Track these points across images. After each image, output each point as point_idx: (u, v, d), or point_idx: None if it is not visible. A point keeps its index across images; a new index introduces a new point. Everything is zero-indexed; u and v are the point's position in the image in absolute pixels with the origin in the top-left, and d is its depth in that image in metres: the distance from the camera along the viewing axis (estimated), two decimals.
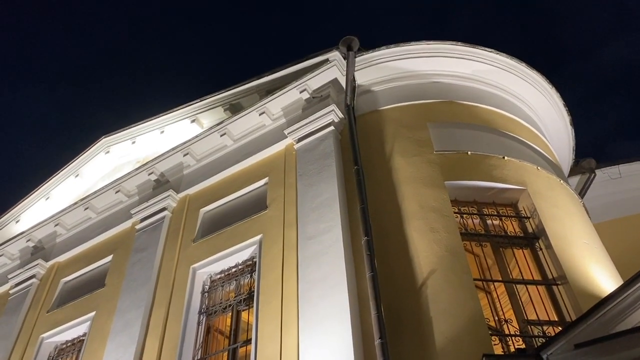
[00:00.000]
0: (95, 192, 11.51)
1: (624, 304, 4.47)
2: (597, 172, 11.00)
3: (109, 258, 10.24)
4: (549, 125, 10.28)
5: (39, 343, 9.63)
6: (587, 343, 4.22)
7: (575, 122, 10.48)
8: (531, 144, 8.95)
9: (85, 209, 11.35)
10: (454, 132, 8.49)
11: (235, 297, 7.99)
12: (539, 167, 8.37)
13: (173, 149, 10.68)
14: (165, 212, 9.95)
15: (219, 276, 8.48)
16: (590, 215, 9.17)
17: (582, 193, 10.46)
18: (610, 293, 4.59)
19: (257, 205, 8.74)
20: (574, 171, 10.95)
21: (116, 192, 11.11)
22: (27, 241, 11.92)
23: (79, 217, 11.56)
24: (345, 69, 8.97)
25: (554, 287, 6.72)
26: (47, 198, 12.99)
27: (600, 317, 4.41)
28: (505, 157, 8.15)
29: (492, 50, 9.55)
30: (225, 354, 7.60)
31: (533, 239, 7.33)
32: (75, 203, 11.69)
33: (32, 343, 9.71)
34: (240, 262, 8.35)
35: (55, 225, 11.65)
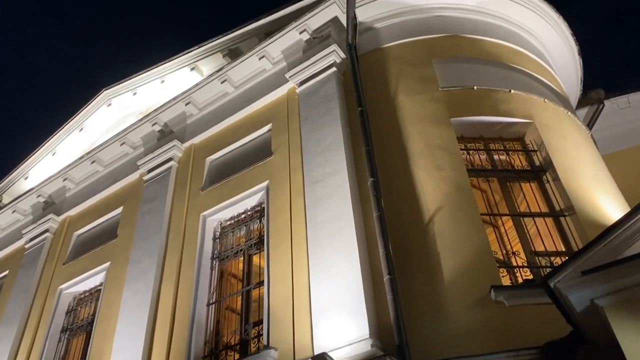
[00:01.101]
0: (100, 145, 11.53)
1: (630, 231, 4.47)
2: (606, 102, 10.81)
3: (119, 210, 10.37)
4: (557, 57, 10.03)
5: (57, 294, 9.91)
6: (594, 270, 4.25)
7: (584, 55, 10.22)
8: (538, 76, 8.76)
9: (92, 162, 11.40)
10: (459, 67, 8.31)
11: (246, 242, 8.12)
12: (546, 100, 8.23)
13: (174, 98, 10.59)
14: (171, 163, 9.98)
15: (229, 222, 8.59)
16: (599, 147, 9.09)
17: (590, 124, 10.32)
18: (617, 220, 4.58)
19: (262, 151, 8.73)
20: (582, 103, 10.77)
21: (121, 145, 11.12)
22: (37, 197, 12.06)
23: (86, 171, 11.63)
24: (345, 6, 8.70)
25: (562, 219, 6.74)
26: (54, 154, 13.05)
27: (607, 244, 4.42)
28: (512, 91, 8.00)
29: None
30: (240, 296, 7.81)
31: (540, 171, 7.30)
32: (82, 157, 11.75)
33: (51, 294, 10.00)
34: (249, 208, 8.43)
35: (64, 180, 11.74)
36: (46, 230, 11.24)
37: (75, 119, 12.97)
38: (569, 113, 8.54)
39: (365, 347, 5.47)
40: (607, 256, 4.37)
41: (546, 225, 6.81)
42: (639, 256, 4.20)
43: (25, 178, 13.27)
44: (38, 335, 9.48)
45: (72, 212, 11.38)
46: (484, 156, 7.53)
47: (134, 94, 12.32)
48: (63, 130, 13.05)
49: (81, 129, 12.90)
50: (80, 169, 11.66)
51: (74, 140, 13.00)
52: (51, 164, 12.92)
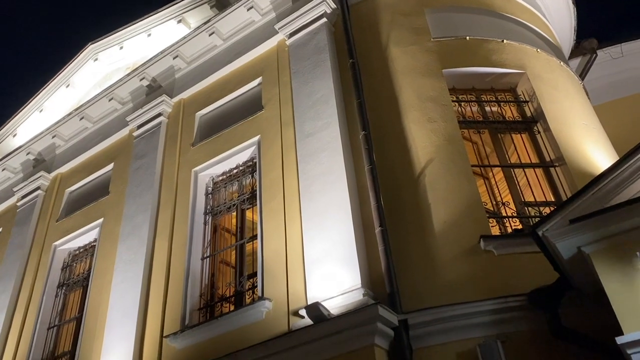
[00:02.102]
0: (88, 101, 11.36)
1: (618, 180, 4.52)
2: (599, 52, 10.71)
3: (111, 166, 10.33)
4: (550, 5, 9.85)
5: (52, 250, 9.98)
6: (582, 218, 4.32)
7: (578, 3, 10.04)
8: (531, 26, 8.63)
9: (81, 119, 11.26)
10: (451, 16, 8.16)
11: (238, 196, 8.15)
12: (538, 50, 8.14)
13: (162, 52, 10.39)
14: (161, 118, 9.87)
15: (220, 178, 8.60)
16: (591, 97, 9.07)
17: (582, 75, 10.25)
18: (605, 170, 4.63)
19: (252, 106, 8.64)
20: (575, 53, 10.67)
21: (109, 100, 10.97)
22: (27, 154, 11.96)
23: (75, 128, 11.51)
24: None
25: (552, 169, 6.80)
26: (41, 110, 12.85)
27: (595, 192, 4.49)
28: (504, 41, 7.89)
29: None
30: (233, 249, 7.90)
31: (531, 122, 7.31)
32: (70, 114, 11.59)
33: (45, 251, 10.07)
34: (240, 163, 8.42)
35: (53, 137, 11.63)
36: (37, 188, 11.21)
37: (62, 74, 12.70)
38: (562, 63, 8.48)
39: (357, 296, 5.60)
40: (595, 205, 4.44)
41: (536, 176, 6.87)
42: (625, 204, 4.27)
43: (14, 135, 13.11)
44: (35, 291, 9.60)
45: (63, 169, 11.33)
46: (475, 108, 7.51)
47: (121, 48, 12.04)
48: (49, 86, 12.80)
49: (68, 85, 12.66)
50: (69, 125, 11.52)
51: (61, 97, 12.79)
52: (39, 121, 12.74)
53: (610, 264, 4.28)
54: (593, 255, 4.39)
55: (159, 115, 9.91)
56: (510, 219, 6.43)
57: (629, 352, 3.93)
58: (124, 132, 10.57)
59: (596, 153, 6.99)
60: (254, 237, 7.45)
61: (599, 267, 4.33)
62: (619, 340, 3.98)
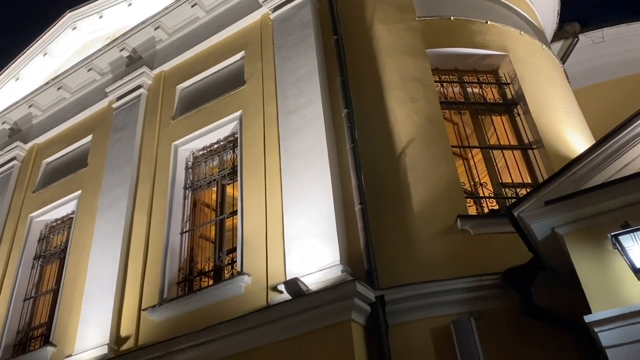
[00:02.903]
0: (66, 71, 11.11)
1: (593, 164, 4.63)
2: (581, 36, 10.78)
3: (89, 138, 10.16)
4: None
5: (28, 222, 9.84)
6: (557, 200, 4.42)
7: None
8: (515, 8, 8.65)
9: (58, 88, 11.02)
10: None
11: (219, 172, 8.12)
12: (522, 32, 8.18)
13: (143, 22, 10.18)
14: (141, 90, 9.72)
15: (201, 152, 8.54)
16: (571, 81, 9.17)
17: (564, 58, 10.34)
18: (581, 153, 4.73)
19: (234, 80, 8.55)
20: (557, 36, 10.72)
21: (88, 70, 10.74)
22: (2, 123, 11.68)
23: (52, 98, 11.26)
24: None
25: (530, 152, 6.90)
26: (17, 79, 12.52)
27: (570, 175, 4.59)
28: (488, 22, 7.92)
29: None
30: (213, 225, 7.90)
31: (512, 105, 7.38)
32: (47, 83, 11.33)
33: (22, 222, 9.93)
34: (221, 138, 8.36)
35: (29, 106, 11.36)
36: (13, 158, 10.99)
37: (39, 42, 12.35)
38: (544, 46, 8.54)
39: (336, 272, 5.67)
40: (570, 187, 4.54)
41: (514, 157, 6.97)
42: (599, 187, 4.38)
43: None
44: (10, 262, 9.49)
45: (40, 139, 11.11)
46: (457, 89, 7.54)
47: (100, 17, 11.74)
48: (26, 54, 12.45)
49: (45, 54, 12.33)
50: (46, 95, 11.27)
51: (39, 65, 12.46)
52: (15, 90, 12.42)
53: (582, 245, 4.40)
54: (566, 237, 4.51)
55: (139, 87, 9.76)
56: (487, 199, 6.53)
57: (596, 329, 4.08)
58: (103, 104, 10.38)
59: (574, 137, 7.11)
60: (234, 212, 7.45)
61: (571, 248, 4.45)
62: (587, 318, 4.12)
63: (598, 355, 4.53)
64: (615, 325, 3.99)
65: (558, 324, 4.93)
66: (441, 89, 7.37)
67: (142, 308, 7.09)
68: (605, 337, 4.02)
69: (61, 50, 12.36)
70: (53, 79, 11.23)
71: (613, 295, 4.10)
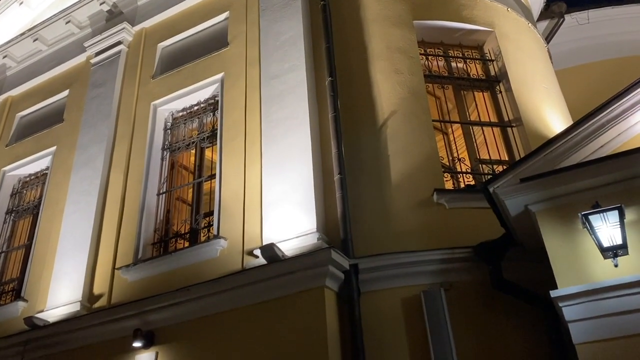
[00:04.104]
0: (43, 22, 10.73)
1: (569, 144, 4.71)
2: (566, 17, 10.80)
3: (66, 93, 9.90)
4: None
5: (1, 176, 9.61)
6: (532, 177, 4.51)
7: None
8: None
9: (34, 40, 10.66)
10: None
11: (198, 134, 8.03)
12: (509, 9, 8.17)
13: None
14: (120, 46, 9.47)
15: (180, 114, 8.42)
16: (554, 61, 9.23)
17: (548, 38, 10.37)
18: (558, 133, 4.81)
19: (217, 41, 8.39)
20: (543, 15, 10.71)
21: (66, 23, 10.39)
22: None
23: (28, 49, 10.90)
24: None
25: (509, 129, 6.97)
26: None
27: (547, 154, 4.67)
28: None
29: None
30: (191, 187, 7.86)
31: (494, 82, 7.41)
32: (23, 34, 10.95)
33: None
34: (202, 100, 8.25)
35: (4, 57, 10.98)
36: None
37: None
38: (530, 25, 8.54)
39: (312, 239, 5.72)
40: (546, 166, 4.63)
41: (493, 134, 7.05)
42: (573, 167, 4.47)
43: None
44: None
45: (14, 92, 10.78)
46: (442, 62, 7.54)
47: None
48: (1, 2, 11.98)
49: (21, 3, 11.83)
50: (21, 46, 10.90)
51: (14, 15, 11.96)
52: None
53: (553, 222, 4.51)
54: (538, 214, 4.61)
55: (119, 43, 9.51)
56: (464, 174, 6.62)
57: (560, 304, 4.22)
58: (81, 59, 10.10)
59: (553, 117, 7.20)
60: (212, 176, 7.42)
61: (543, 225, 4.56)
62: (553, 293, 4.25)
63: (560, 329, 4.72)
64: (579, 301, 4.13)
65: (525, 298, 5.09)
66: (426, 62, 7.36)
67: (116, 267, 7.08)
68: (569, 311, 4.17)
69: (38, 0, 11.91)
70: (29, 30, 10.86)
71: (579, 272, 4.24)
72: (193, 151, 8.07)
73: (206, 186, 7.70)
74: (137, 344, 5.99)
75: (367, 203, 6.08)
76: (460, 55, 7.63)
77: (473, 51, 7.76)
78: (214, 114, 7.97)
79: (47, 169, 9.31)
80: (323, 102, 6.83)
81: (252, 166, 6.78)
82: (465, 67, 7.57)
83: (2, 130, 10.33)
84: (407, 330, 5.32)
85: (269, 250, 5.66)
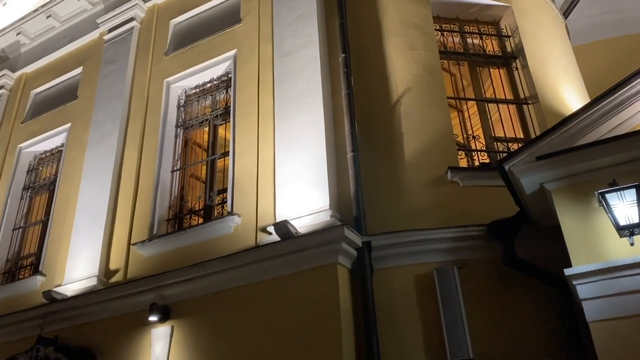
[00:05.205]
0: None
1: (586, 122, 4.64)
2: None
3: (79, 70, 9.92)
4: None
5: (17, 153, 9.74)
6: (548, 155, 4.46)
7: None
8: None
9: (48, 17, 10.65)
10: None
11: (211, 112, 8.03)
12: None
13: None
14: (133, 23, 9.44)
15: (194, 91, 8.41)
16: (572, 37, 9.05)
17: (566, 13, 10.12)
18: (575, 111, 4.74)
19: (230, 17, 8.32)
20: None
21: (79, 0, 10.38)
22: None
23: (41, 26, 10.90)
24: None
25: (525, 107, 6.88)
26: (4, 4, 12.04)
27: (563, 132, 4.61)
28: None
29: None
30: (204, 164, 7.89)
31: (511, 58, 7.30)
32: (36, 10, 10.93)
33: (10, 153, 9.84)
34: (215, 77, 8.22)
35: (17, 34, 11.01)
36: (1, 87, 10.72)
37: None
38: None
39: (325, 217, 5.74)
40: (562, 144, 4.58)
41: (509, 112, 6.96)
42: (590, 145, 4.42)
43: None
44: None
45: (28, 69, 10.83)
46: (457, 39, 7.43)
47: None
48: None
49: None
50: (35, 23, 10.90)
51: None
52: (2, 15, 11.98)
53: (568, 201, 4.48)
54: (554, 192, 4.57)
55: (132, 19, 9.47)
56: (479, 152, 6.57)
57: (574, 282, 4.21)
58: (94, 35, 10.09)
59: (569, 94, 7.09)
60: (226, 153, 7.43)
61: (558, 204, 4.53)
62: (567, 271, 4.25)
63: (573, 307, 4.72)
64: (593, 280, 4.13)
65: (538, 276, 5.09)
66: (441, 38, 7.25)
67: (132, 243, 7.17)
68: (583, 289, 4.16)
69: None
70: (42, 6, 10.83)
71: (594, 251, 4.22)
72: (206, 128, 8.09)
73: (219, 163, 7.73)
74: (153, 318, 6.10)
75: (380, 180, 6.07)
76: (476, 31, 7.51)
77: (489, 27, 7.63)
78: (227, 91, 7.95)
79: (62, 145, 9.39)
80: (336, 79, 6.78)
81: (265, 143, 6.78)
82: (481, 43, 7.45)
83: (18, 107, 10.41)
84: (420, 308, 5.35)
85: (282, 227, 5.68)
